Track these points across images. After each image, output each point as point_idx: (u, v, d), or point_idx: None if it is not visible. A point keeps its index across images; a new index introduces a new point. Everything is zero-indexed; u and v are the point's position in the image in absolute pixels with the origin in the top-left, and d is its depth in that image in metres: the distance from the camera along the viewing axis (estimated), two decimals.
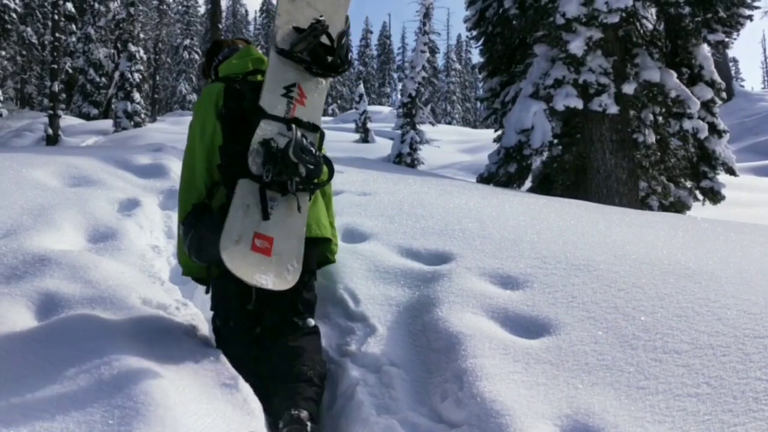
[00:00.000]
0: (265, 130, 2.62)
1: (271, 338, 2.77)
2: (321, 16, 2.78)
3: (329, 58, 2.83)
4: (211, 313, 2.88)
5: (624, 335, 2.50)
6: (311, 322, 2.84)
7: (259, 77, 2.89)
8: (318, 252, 3.01)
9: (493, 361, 2.38)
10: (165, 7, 45.44)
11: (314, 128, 2.82)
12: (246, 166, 2.55)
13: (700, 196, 10.29)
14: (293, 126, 2.66)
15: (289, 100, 2.75)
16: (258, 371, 2.58)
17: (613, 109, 8.77)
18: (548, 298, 2.83)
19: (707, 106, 9.48)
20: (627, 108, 9.43)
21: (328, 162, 2.84)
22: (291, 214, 2.67)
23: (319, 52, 2.79)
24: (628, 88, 8.85)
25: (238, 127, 2.71)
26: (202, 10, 57.75)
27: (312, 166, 2.58)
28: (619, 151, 9.33)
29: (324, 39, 2.82)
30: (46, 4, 37.77)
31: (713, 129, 9.54)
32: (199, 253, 2.68)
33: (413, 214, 4.17)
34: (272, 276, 2.55)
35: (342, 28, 2.94)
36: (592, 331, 2.53)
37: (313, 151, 2.61)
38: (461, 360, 2.39)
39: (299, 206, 2.67)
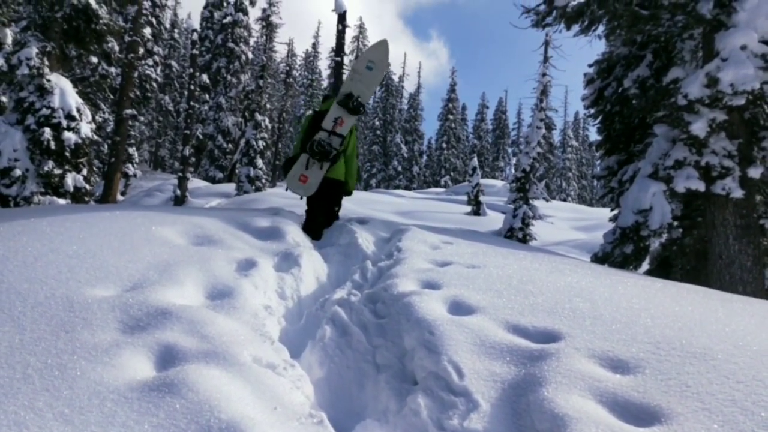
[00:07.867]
0: (320, 134, 7.11)
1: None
2: (356, 91, 7.32)
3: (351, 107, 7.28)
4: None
5: (742, 430, 2.36)
6: (336, 208, 7.56)
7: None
8: (336, 185, 7.31)
9: None
10: (291, 80, 47.89)
11: (340, 136, 7.11)
12: (305, 148, 7.13)
13: None
14: (330, 134, 7.11)
15: (335, 123, 7.12)
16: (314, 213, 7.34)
17: (738, 193, 8.44)
18: (660, 386, 2.72)
19: None
20: (753, 192, 9.02)
21: (338, 150, 7.14)
22: (318, 169, 7.08)
23: (348, 104, 7.13)
24: (754, 172, 8.50)
25: (311, 132, 7.17)
26: (324, 83, 60.71)
27: (324, 150, 6.93)
28: (743, 237, 8.88)
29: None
30: (183, 75, 40.68)
31: None
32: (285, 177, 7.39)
33: (522, 290, 4.14)
34: (302, 191, 7.13)
35: (366, 95, 7.39)
36: (706, 423, 2.41)
37: (325, 146, 6.93)
38: None
39: (321, 167, 7.07)
